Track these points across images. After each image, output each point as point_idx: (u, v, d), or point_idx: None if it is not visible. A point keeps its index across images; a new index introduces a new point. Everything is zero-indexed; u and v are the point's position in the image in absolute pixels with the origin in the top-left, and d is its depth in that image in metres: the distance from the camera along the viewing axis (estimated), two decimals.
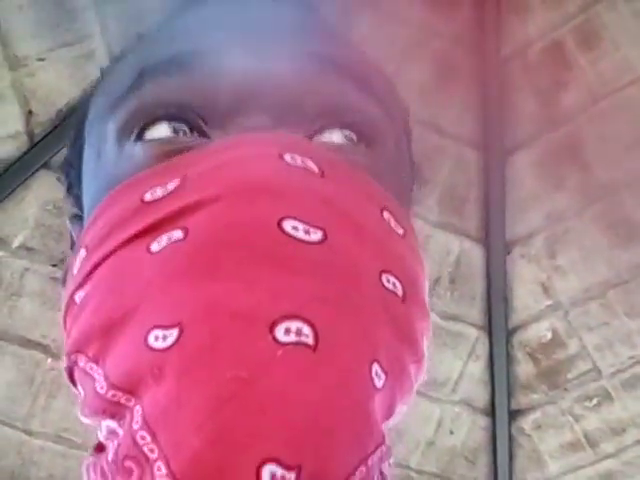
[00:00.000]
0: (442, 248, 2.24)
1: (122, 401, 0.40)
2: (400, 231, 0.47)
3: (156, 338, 0.39)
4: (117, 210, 0.45)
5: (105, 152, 0.50)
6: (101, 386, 0.41)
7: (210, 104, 0.48)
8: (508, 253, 2.26)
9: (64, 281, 0.51)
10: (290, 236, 0.40)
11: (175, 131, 0.48)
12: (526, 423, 2.33)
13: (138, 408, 0.39)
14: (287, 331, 0.37)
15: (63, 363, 0.45)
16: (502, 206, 2.22)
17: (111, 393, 0.41)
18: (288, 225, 0.40)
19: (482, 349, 2.32)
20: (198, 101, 0.48)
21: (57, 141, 1.92)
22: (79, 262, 0.46)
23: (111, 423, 0.41)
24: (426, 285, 0.48)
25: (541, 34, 2.08)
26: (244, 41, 0.51)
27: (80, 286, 0.45)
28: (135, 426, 0.38)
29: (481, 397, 2.35)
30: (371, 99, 0.51)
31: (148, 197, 0.44)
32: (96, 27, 1.90)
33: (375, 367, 0.40)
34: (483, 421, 2.36)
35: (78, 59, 1.90)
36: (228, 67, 0.49)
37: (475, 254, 2.27)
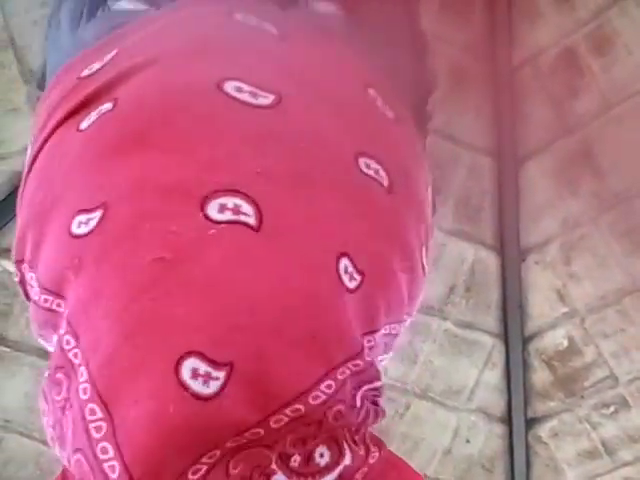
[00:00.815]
0: (457, 256, 2.23)
1: (54, 307, 0.35)
2: (390, 114, 0.38)
3: (79, 224, 0.32)
4: (58, 90, 0.39)
5: (60, 37, 0.44)
6: (36, 292, 0.36)
7: None
8: (523, 260, 2.25)
9: None
10: (232, 97, 0.32)
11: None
12: (543, 431, 2.32)
13: (64, 310, 0.34)
14: (222, 207, 0.30)
15: (15, 277, 0.41)
16: (516, 213, 2.21)
17: (43, 298, 0.35)
18: (230, 86, 0.32)
19: (498, 357, 2.31)
20: None
21: None
22: (27, 157, 0.41)
23: (51, 336, 0.36)
24: (425, 181, 0.40)
25: (553, 41, 2.07)
26: None
27: (25, 180, 0.40)
28: (62, 331, 0.34)
29: (497, 405, 2.33)
30: None
31: (85, 73, 0.37)
32: None
33: (344, 262, 0.32)
34: (500, 429, 2.34)
35: None
36: None
37: (490, 262, 2.26)
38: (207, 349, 0.30)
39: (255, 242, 0.31)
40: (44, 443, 2.09)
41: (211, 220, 0.31)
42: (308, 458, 0.32)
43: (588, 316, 2.21)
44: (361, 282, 0.34)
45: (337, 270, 0.33)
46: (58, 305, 0.34)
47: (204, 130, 0.33)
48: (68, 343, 0.33)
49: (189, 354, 0.30)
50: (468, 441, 2.34)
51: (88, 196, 0.33)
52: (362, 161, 0.35)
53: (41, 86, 0.49)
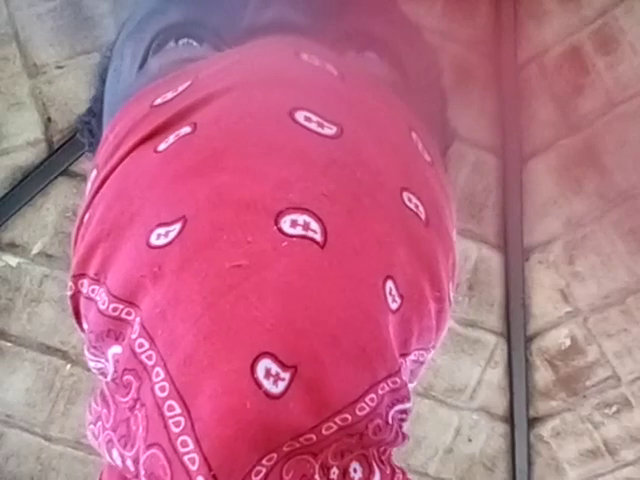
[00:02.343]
0: (460, 254, 2.22)
1: (123, 315, 0.37)
2: (427, 158, 0.43)
3: (158, 236, 0.36)
4: (127, 120, 0.42)
5: (123, 71, 0.48)
6: (103, 302, 0.38)
7: (230, 24, 0.46)
8: (526, 259, 2.24)
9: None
10: (302, 126, 0.37)
11: (189, 44, 0.46)
12: (545, 430, 2.32)
13: (138, 319, 0.36)
14: (294, 223, 0.35)
15: (68, 291, 0.42)
16: (520, 212, 2.21)
17: (112, 307, 0.38)
18: (301, 115, 0.37)
19: (500, 356, 2.30)
20: (217, 20, 0.46)
21: (76, 148, 1.93)
22: (89, 184, 0.43)
23: (117, 349, 0.38)
24: (452, 222, 0.45)
25: (558, 39, 2.07)
26: None
27: (88, 206, 0.42)
28: (133, 336, 0.36)
29: (500, 404, 2.33)
30: (392, 29, 0.48)
31: (158, 101, 0.41)
32: (114, 34, 1.91)
33: (389, 284, 0.37)
34: (502, 428, 2.34)
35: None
36: None
37: (493, 260, 2.26)
38: (278, 351, 0.32)
39: (321, 257, 0.34)
40: (45, 438, 2.10)
41: (284, 233, 0.35)
42: (345, 472, 0.34)
43: (591, 315, 2.21)
44: (401, 304, 0.37)
45: (384, 290, 0.36)
46: (128, 313, 0.37)
47: (277, 154, 0.36)
48: (141, 346, 0.35)
49: (264, 354, 0.32)
50: (470, 440, 2.34)
51: (167, 211, 0.37)
52: (405, 195, 0.40)
53: (91, 115, 0.53)
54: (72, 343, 2.06)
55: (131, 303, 0.37)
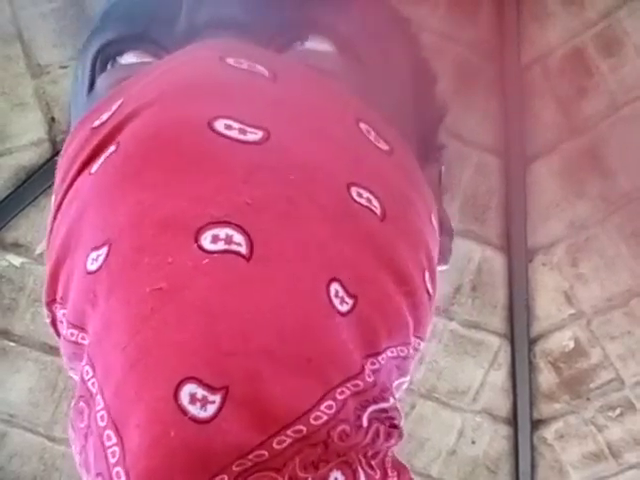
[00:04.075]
0: (463, 256, 2.23)
1: (79, 340, 0.37)
2: (383, 146, 0.41)
3: (92, 261, 0.36)
4: (74, 145, 0.42)
5: (78, 93, 0.48)
6: (65, 327, 0.38)
7: (167, 30, 0.45)
8: (530, 261, 2.24)
9: None
10: (222, 135, 0.36)
11: (130, 59, 0.46)
12: (548, 433, 2.31)
13: (87, 332, 0.36)
14: (215, 238, 0.33)
15: (47, 318, 0.43)
16: (523, 214, 2.20)
17: (70, 332, 0.38)
18: (220, 124, 0.36)
19: (504, 358, 2.30)
20: (154, 28, 0.45)
21: None
22: (52, 208, 0.43)
23: (77, 366, 0.39)
24: (425, 213, 0.42)
25: (562, 41, 2.07)
26: None
27: (50, 232, 0.43)
28: (82, 362, 0.36)
29: (503, 406, 2.33)
30: (346, 14, 0.46)
31: (96, 123, 0.41)
32: None
33: (335, 287, 0.35)
34: (505, 430, 2.34)
35: None
36: None
37: (496, 262, 2.26)
38: (203, 374, 0.31)
39: (247, 270, 0.33)
40: (48, 438, 2.10)
41: (205, 250, 0.33)
42: None
43: (595, 318, 2.21)
44: (354, 305, 0.36)
45: (328, 294, 0.35)
46: (82, 338, 0.37)
47: (195, 166, 0.35)
48: (87, 373, 0.35)
49: (187, 379, 0.31)
50: (473, 442, 2.34)
51: (96, 234, 0.36)
52: (354, 190, 0.37)
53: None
54: None
55: (82, 328, 0.37)
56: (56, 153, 1.97)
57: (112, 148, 0.38)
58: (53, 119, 1.96)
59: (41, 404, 2.10)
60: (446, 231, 0.49)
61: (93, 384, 0.34)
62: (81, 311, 0.37)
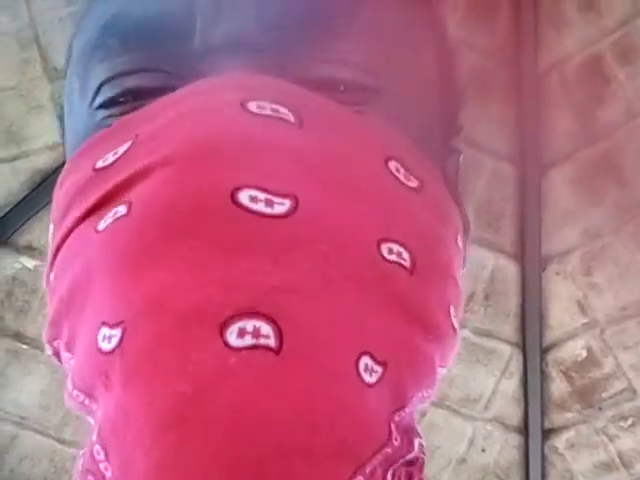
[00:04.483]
0: (476, 263, 2.22)
1: (86, 402, 0.36)
2: (413, 184, 0.38)
3: (103, 338, 0.33)
4: (74, 179, 0.39)
5: (75, 109, 0.44)
6: (70, 383, 0.37)
7: (179, 50, 0.41)
8: (543, 269, 2.24)
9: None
10: (247, 210, 0.33)
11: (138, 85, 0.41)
12: (559, 442, 2.30)
13: (99, 413, 0.34)
14: (241, 332, 0.31)
15: (48, 351, 0.41)
16: (538, 222, 2.20)
17: (75, 393, 0.36)
18: (245, 196, 0.33)
19: (516, 366, 2.30)
20: (166, 48, 0.41)
21: None
22: (50, 237, 0.41)
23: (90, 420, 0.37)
24: (452, 239, 0.40)
25: (579, 48, 2.07)
26: None
27: (50, 266, 0.40)
28: (94, 437, 0.34)
29: (514, 415, 2.32)
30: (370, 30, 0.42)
31: (100, 164, 0.38)
32: None
33: (364, 361, 0.33)
34: (516, 439, 2.33)
35: None
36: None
37: (510, 270, 2.25)
38: None
39: (277, 365, 0.31)
40: (59, 441, 2.10)
41: (231, 347, 0.31)
42: None
43: (608, 327, 2.20)
44: (383, 372, 0.34)
45: (357, 370, 0.33)
46: (90, 403, 0.35)
47: (217, 247, 0.33)
48: (99, 454, 0.34)
49: None
50: (483, 450, 2.33)
51: (107, 309, 0.34)
52: (384, 247, 0.36)
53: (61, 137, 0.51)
54: None
55: (91, 396, 0.35)
56: None
57: (122, 209, 0.35)
58: None
59: (52, 407, 2.10)
60: (465, 230, 0.47)
61: (106, 467, 0.33)
62: (90, 384, 0.35)
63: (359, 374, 0.33)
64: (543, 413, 2.30)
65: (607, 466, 2.26)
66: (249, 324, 0.31)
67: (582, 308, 2.22)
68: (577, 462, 2.29)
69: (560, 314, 2.26)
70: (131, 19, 0.42)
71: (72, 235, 0.38)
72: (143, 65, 0.41)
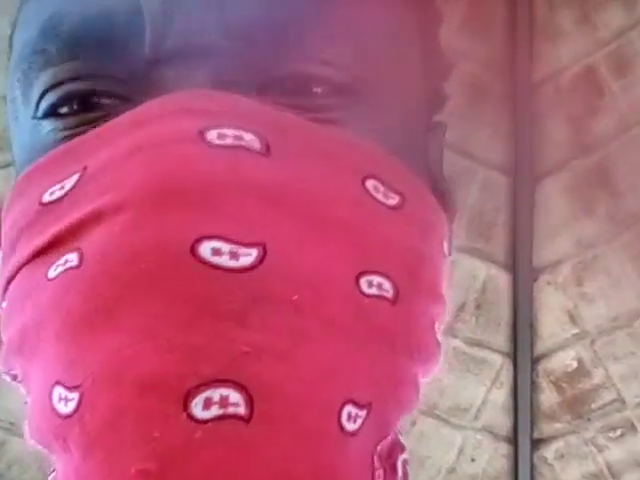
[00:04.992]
0: (468, 273, 2.22)
1: (44, 450, 0.34)
2: (393, 201, 0.35)
3: (59, 399, 0.31)
4: (21, 208, 0.36)
5: (19, 119, 0.40)
6: (27, 429, 0.35)
7: (128, 58, 0.37)
8: (535, 280, 2.24)
9: None
10: (209, 264, 0.30)
11: (84, 100, 0.37)
12: (549, 452, 2.30)
13: (58, 467, 0.33)
14: (207, 403, 0.29)
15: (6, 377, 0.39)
16: (530, 232, 2.20)
17: (33, 440, 0.35)
18: (207, 248, 0.30)
19: (506, 376, 2.29)
20: (111, 55, 0.37)
21: None
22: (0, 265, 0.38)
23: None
24: (437, 253, 0.37)
25: (574, 60, 2.07)
26: None
27: (2, 296, 0.37)
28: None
29: (504, 425, 2.32)
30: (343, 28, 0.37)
31: (46, 198, 0.35)
32: None
33: (347, 410, 0.31)
34: (505, 449, 2.33)
35: None
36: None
37: (501, 280, 2.25)
38: None
39: (247, 434, 0.29)
40: None
41: (196, 420, 0.29)
42: None
43: (598, 338, 2.20)
44: (367, 414, 0.32)
45: (339, 423, 0.31)
46: (49, 453, 0.34)
47: (178, 307, 0.30)
48: None
49: None
50: (473, 460, 2.33)
51: (62, 369, 0.32)
52: (364, 280, 0.33)
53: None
54: None
55: (49, 449, 0.34)
56: None
57: (72, 257, 0.32)
58: None
59: None
60: (450, 221, 0.44)
61: None
62: (47, 442, 0.33)
63: (341, 426, 0.31)
64: (533, 423, 2.30)
65: (596, 477, 2.25)
66: (215, 393, 0.29)
67: (573, 319, 2.22)
68: (566, 472, 2.29)
69: (551, 324, 2.26)
70: (70, 21, 0.38)
71: (22, 272, 0.35)
72: (88, 72, 0.37)
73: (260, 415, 0.29)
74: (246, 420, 0.29)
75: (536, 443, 2.31)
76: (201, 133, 0.32)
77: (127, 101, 0.36)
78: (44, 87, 0.38)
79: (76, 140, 0.36)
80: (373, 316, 0.33)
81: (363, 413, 0.32)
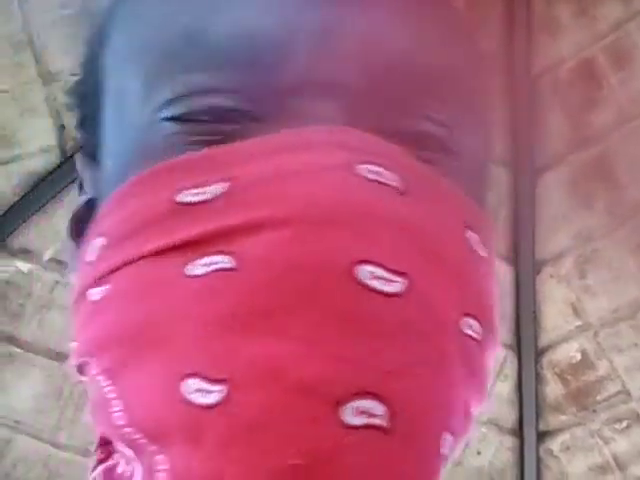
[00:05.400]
0: None
1: (141, 442, 0.34)
2: (484, 253, 0.38)
3: (195, 390, 0.32)
4: (145, 204, 0.37)
5: (130, 111, 0.40)
6: (119, 417, 0.35)
7: (267, 79, 0.38)
8: (537, 273, 2.24)
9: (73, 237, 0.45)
10: (366, 287, 0.32)
11: (215, 109, 0.38)
12: (554, 445, 2.30)
13: (162, 459, 0.33)
14: (356, 411, 0.31)
15: (72, 360, 0.39)
16: (531, 225, 2.20)
17: (130, 430, 0.35)
18: (365, 272, 0.32)
19: (510, 369, 2.30)
20: (251, 73, 0.38)
21: None
22: (96, 251, 0.38)
23: (128, 451, 0.36)
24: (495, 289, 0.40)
25: (572, 52, 2.07)
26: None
27: (97, 283, 0.37)
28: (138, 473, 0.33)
29: (509, 418, 2.32)
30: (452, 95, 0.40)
31: (183, 198, 0.36)
32: None
33: (447, 438, 0.34)
34: (510, 442, 2.33)
35: None
36: (289, 33, 0.38)
37: (504, 273, 2.25)
38: None
39: (388, 445, 0.32)
40: (53, 444, 2.10)
41: (346, 426, 0.31)
42: None
43: (602, 330, 2.20)
44: (453, 442, 0.35)
45: (440, 449, 0.34)
46: (148, 445, 0.34)
47: (336, 324, 0.32)
48: None
49: None
50: (479, 453, 2.33)
51: (204, 362, 0.33)
52: (464, 322, 0.36)
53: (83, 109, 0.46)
54: None
55: (156, 441, 0.34)
56: (65, 160, 1.98)
57: (225, 261, 0.34)
58: (63, 126, 1.96)
59: (46, 410, 2.09)
60: None
61: None
62: (163, 431, 0.33)
63: (440, 452, 0.34)
64: (538, 415, 2.30)
65: (602, 469, 2.26)
66: (364, 404, 0.31)
67: (576, 311, 2.23)
68: (572, 465, 2.29)
69: (554, 317, 2.26)
70: (217, 32, 0.39)
71: (138, 264, 0.36)
72: (224, 85, 0.38)
73: (397, 430, 0.32)
74: (386, 432, 0.32)
75: (542, 435, 2.32)
76: (352, 166, 0.35)
77: (258, 121, 0.38)
78: (177, 93, 0.39)
79: (217, 150, 0.37)
80: (468, 356, 0.36)
81: (452, 441, 0.35)
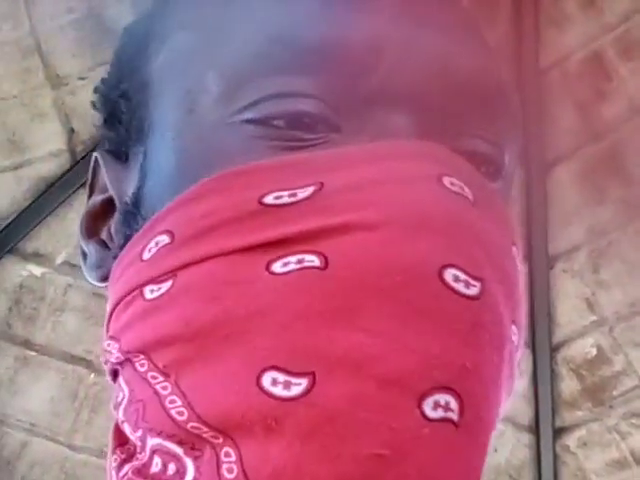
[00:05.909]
0: None
1: (204, 436, 0.34)
2: (520, 267, 0.40)
3: (274, 382, 0.33)
4: (226, 203, 0.37)
5: (203, 110, 0.41)
6: (179, 412, 0.35)
7: (346, 85, 0.39)
8: (551, 268, 2.23)
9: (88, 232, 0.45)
10: (451, 289, 0.34)
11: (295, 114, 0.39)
12: (571, 440, 2.29)
13: (229, 451, 0.33)
14: (436, 405, 0.32)
15: (109, 354, 0.39)
16: (544, 220, 2.19)
17: (193, 425, 0.34)
18: (449, 274, 0.34)
19: (526, 365, 2.29)
20: (335, 81, 0.39)
21: None
22: (156, 247, 0.38)
23: (175, 448, 0.35)
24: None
25: (581, 45, 2.06)
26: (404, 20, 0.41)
27: (157, 280, 0.37)
28: (228, 475, 0.33)
29: (525, 414, 2.32)
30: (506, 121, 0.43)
31: (270, 200, 0.36)
32: None
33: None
34: (527, 438, 2.32)
35: None
36: (379, 46, 0.40)
37: None
38: None
39: (457, 439, 0.33)
40: (69, 447, 2.11)
41: (426, 418, 0.33)
42: None
43: (617, 324, 2.19)
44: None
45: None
46: (213, 437, 0.34)
47: (422, 321, 0.34)
48: None
49: None
50: (495, 450, 2.32)
51: (287, 356, 0.34)
52: (513, 329, 0.38)
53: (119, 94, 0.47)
54: (96, 352, 2.07)
55: (222, 432, 0.34)
56: (75, 163, 1.99)
57: (313, 259, 0.35)
58: (72, 130, 1.97)
59: (62, 413, 2.11)
60: None
61: None
62: (237, 422, 0.34)
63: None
64: (554, 412, 2.30)
65: (619, 464, 2.25)
66: (442, 398, 0.33)
67: (591, 306, 2.22)
68: (589, 460, 2.28)
69: (569, 312, 2.25)
70: (310, 35, 0.40)
71: (216, 260, 0.36)
72: (309, 90, 0.39)
73: (466, 424, 0.33)
74: (456, 425, 0.33)
75: (558, 432, 2.31)
76: (439, 178, 0.37)
77: (337, 131, 0.39)
78: (263, 94, 0.39)
79: (307, 156, 0.38)
80: (512, 359, 0.38)
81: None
